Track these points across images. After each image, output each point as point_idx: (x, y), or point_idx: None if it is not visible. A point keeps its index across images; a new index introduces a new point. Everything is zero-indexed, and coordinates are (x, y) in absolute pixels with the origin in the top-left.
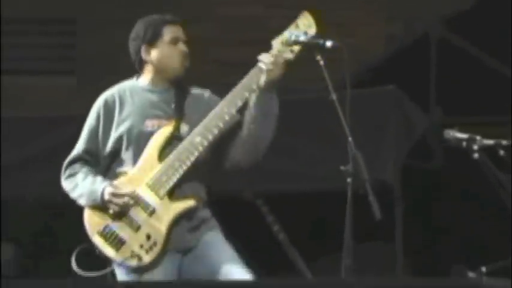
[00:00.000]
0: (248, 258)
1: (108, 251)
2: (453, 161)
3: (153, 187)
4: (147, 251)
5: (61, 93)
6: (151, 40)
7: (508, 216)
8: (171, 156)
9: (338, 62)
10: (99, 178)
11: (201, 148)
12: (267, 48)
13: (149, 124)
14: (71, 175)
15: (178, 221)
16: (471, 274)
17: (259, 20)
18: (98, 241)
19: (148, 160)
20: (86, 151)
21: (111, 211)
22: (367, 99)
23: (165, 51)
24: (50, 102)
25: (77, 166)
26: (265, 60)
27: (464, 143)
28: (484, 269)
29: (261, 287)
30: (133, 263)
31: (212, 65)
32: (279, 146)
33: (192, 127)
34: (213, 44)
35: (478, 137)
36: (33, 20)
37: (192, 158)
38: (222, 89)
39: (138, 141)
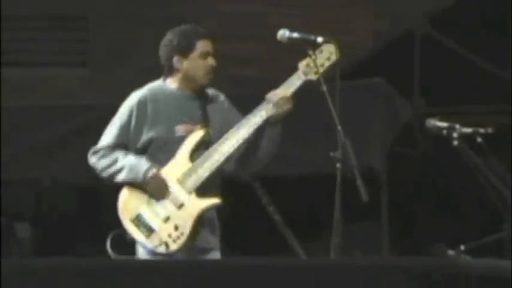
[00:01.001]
0: (245, 238)
1: (140, 237)
2: (435, 147)
3: (183, 183)
4: (174, 240)
5: (74, 84)
6: (184, 51)
7: (485, 197)
8: (202, 158)
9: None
10: (143, 158)
11: (227, 155)
12: (265, 43)
13: (179, 129)
14: (106, 155)
15: (203, 216)
16: (451, 252)
17: (257, 17)
18: (130, 228)
19: (180, 160)
20: (117, 145)
21: (147, 193)
22: (356, 90)
23: (195, 64)
24: (64, 92)
25: (108, 151)
26: (274, 97)
27: (444, 131)
28: (462, 247)
29: (257, 265)
30: (162, 249)
31: None
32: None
33: (213, 130)
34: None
35: (457, 126)
36: (50, 17)
37: (220, 162)
38: (221, 82)
39: (169, 144)
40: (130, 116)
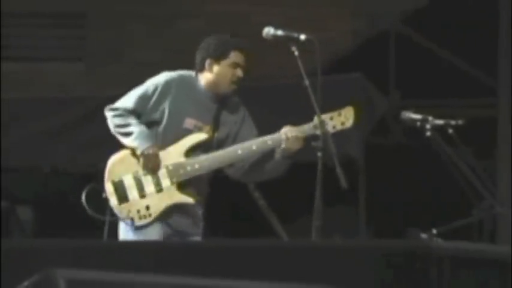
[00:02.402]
0: (231, 221)
1: (113, 199)
2: (409, 138)
3: (170, 172)
4: (140, 218)
5: (71, 77)
6: (217, 57)
7: (456, 184)
8: (195, 159)
9: (310, 53)
10: (151, 133)
11: (217, 167)
12: (249, 41)
13: (188, 122)
14: (121, 115)
15: (175, 206)
16: (423, 235)
17: (243, 16)
18: (109, 187)
19: (177, 150)
20: (133, 110)
21: (139, 165)
22: (335, 85)
23: (223, 71)
24: (62, 85)
25: (125, 112)
26: (287, 134)
27: (418, 123)
28: (434, 231)
29: (242, 246)
30: (127, 220)
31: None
32: (263, 125)
33: (218, 136)
34: (202, 36)
35: (430, 118)
36: (48, 14)
37: (208, 170)
38: None
39: (174, 131)
40: (154, 92)
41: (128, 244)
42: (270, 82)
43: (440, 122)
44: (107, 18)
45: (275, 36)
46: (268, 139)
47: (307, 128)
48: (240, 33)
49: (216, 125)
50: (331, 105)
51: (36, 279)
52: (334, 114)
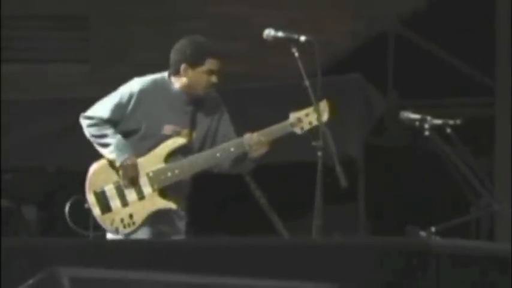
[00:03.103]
0: (233, 219)
1: (95, 210)
2: (407, 137)
3: (151, 179)
4: (124, 226)
5: (76, 78)
6: (193, 63)
7: (454, 183)
8: (175, 164)
9: (310, 54)
10: (128, 143)
11: (194, 171)
12: (250, 42)
13: (166, 128)
14: (97, 124)
15: (158, 212)
16: (422, 233)
17: (244, 18)
18: (91, 199)
19: (156, 157)
20: (109, 120)
21: (119, 175)
22: (335, 85)
23: (199, 77)
24: (67, 86)
25: (100, 122)
26: (249, 141)
27: (417, 123)
28: (433, 229)
29: (244, 244)
30: (111, 231)
31: None
32: (263, 125)
33: (197, 136)
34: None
35: (428, 117)
36: (54, 17)
37: (190, 174)
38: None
39: (153, 138)
40: (129, 100)
41: (130, 242)
42: (270, 82)
43: (438, 121)
44: (110, 19)
45: (275, 38)
46: (231, 145)
47: (281, 129)
48: (241, 34)
49: (193, 127)
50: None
51: (40, 277)
52: (310, 110)
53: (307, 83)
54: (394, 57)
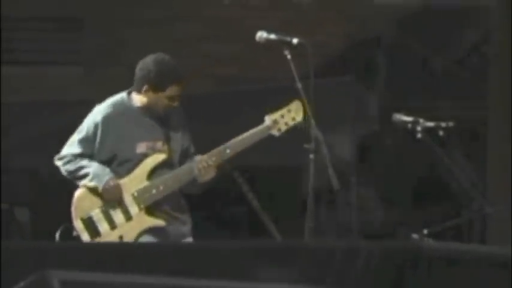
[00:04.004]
0: (226, 221)
1: (85, 236)
2: (400, 139)
3: (137, 199)
4: None
5: (69, 81)
6: (155, 88)
7: (446, 185)
8: (158, 180)
9: (303, 56)
10: (106, 167)
11: (182, 183)
12: (243, 44)
13: (141, 146)
14: (71, 161)
15: (146, 231)
16: (414, 236)
17: (237, 20)
18: (79, 225)
19: (139, 176)
20: (81, 154)
21: (103, 199)
22: (328, 87)
23: (160, 101)
24: (60, 88)
25: (73, 158)
26: (198, 165)
27: (409, 125)
28: (425, 231)
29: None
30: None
31: (197, 58)
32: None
33: (174, 146)
34: (198, 40)
35: (421, 120)
36: (46, 19)
37: (174, 188)
38: (205, 80)
39: (130, 160)
40: (95, 132)
41: (123, 246)
42: (262, 85)
43: (431, 124)
44: (104, 22)
45: (268, 40)
46: (186, 169)
47: (252, 134)
48: (235, 36)
49: (167, 139)
50: (323, 106)
51: (31, 280)
52: (284, 111)
53: (299, 85)
54: (386, 60)
